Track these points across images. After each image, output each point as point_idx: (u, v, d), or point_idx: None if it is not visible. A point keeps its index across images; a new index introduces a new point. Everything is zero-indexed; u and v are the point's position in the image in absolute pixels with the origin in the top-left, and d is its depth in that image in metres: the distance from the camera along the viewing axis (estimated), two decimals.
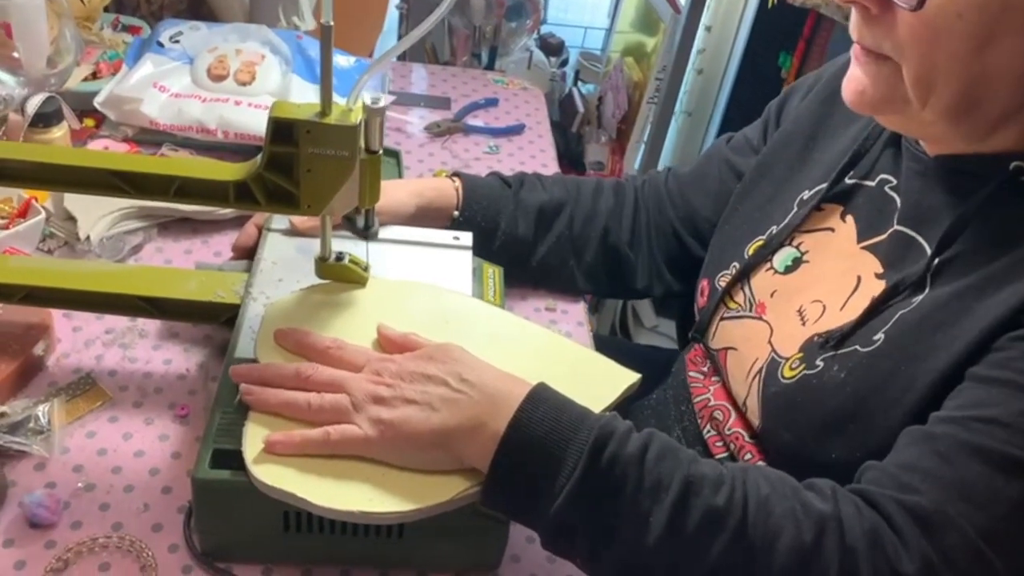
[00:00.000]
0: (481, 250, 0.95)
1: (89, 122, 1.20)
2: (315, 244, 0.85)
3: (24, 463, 0.79)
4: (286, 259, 0.89)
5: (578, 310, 1.05)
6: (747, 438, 0.82)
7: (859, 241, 0.78)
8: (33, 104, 1.04)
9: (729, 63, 2.19)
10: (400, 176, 1.21)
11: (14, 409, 0.81)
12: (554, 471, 0.64)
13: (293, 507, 0.67)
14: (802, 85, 0.96)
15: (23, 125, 1.04)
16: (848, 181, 0.82)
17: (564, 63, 2.30)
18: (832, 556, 0.60)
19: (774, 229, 0.86)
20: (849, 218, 0.81)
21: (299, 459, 0.68)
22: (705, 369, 0.91)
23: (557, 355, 0.81)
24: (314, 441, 0.68)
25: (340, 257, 0.84)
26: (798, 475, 0.67)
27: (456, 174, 1.02)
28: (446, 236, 0.95)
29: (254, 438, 0.69)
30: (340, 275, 0.85)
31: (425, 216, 0.96)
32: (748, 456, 0.80)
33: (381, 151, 0.76)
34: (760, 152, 0.96)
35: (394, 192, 0.93)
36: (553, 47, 2.26)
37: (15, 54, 1.08)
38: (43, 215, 0.99)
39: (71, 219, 1.01)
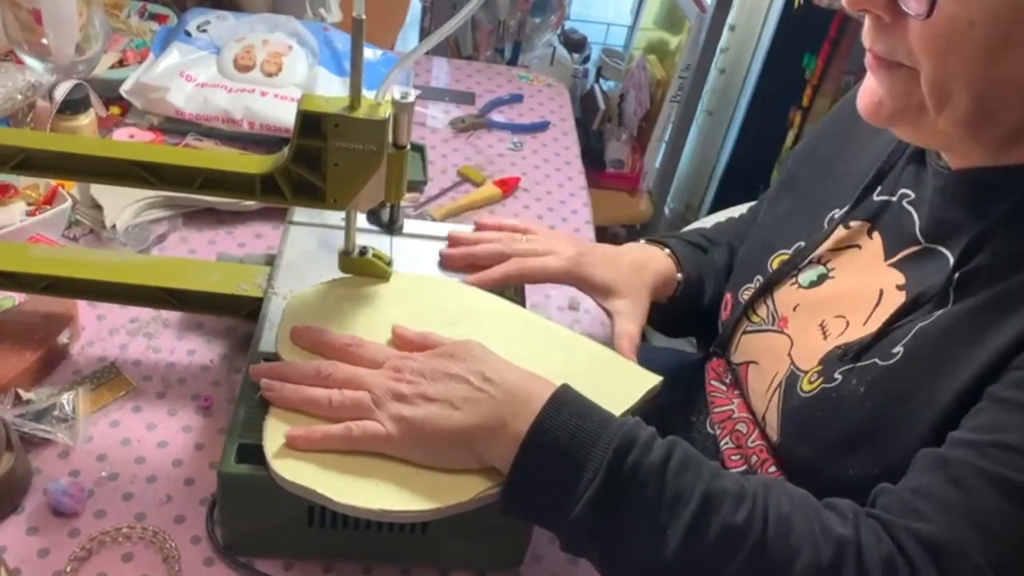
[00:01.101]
0: (688, 308, 0.94)
1: (115, 110, 1.20)
2: (338, 238, 0.85)
3: (48, 451, 0.79)
4: (309, 253, 0.89)
5: (600, 310, 1.05)
6: (770, 451, 0.81)
7: (886, 258, 0.77)
8: (61, 91, 1.04)
9: (752, 63, 2.17)
10: (424, 169, 1.21)
11: (39, 397, 0.81)
12: (575, 477, 0.63)
13: (314, 502, 0.67)
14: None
15: (51, 112, 1.05)
16: (876, 199, 0.80)
17: (586, 60, 2.29)
18: None
19: (801, 244, 0.85)
20: (876, 235, 0.79)
21: (319, 455, 0.68)
22: (727, 381, 0.91)
23: (579, 355, 0.80)
24: (335, 437, 0.68)
25: (364, 251, 0.84)
26: (817, 490, 0.66)
27: (656, 242, 0.99)
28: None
29: (275, 433, 0.69)
30: (363, 269, 0.85)
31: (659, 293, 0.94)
32: (772, 469, 0.80)
33: (408, 146, 0.75)
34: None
35: (638, 279, 0.91)
36: (575, 43, 2.25)
37: (44, 40, 1.08)
38: (69, 203, 0.99)
39: (97, 207, 1.01)
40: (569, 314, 1.04)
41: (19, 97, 1.06)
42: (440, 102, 1.40)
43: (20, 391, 0.80)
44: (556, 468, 0.64)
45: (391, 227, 0.90)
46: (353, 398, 0.69)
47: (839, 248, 0.82)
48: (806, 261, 0.84)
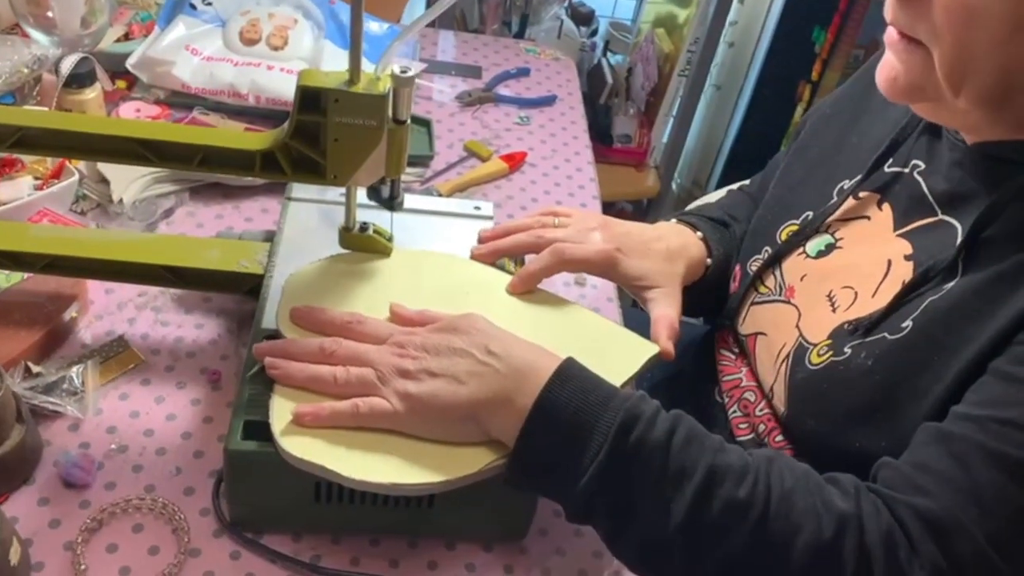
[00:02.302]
0: (711, 289, 0.94)
1: (121, 84, 1.19)
2: (338, 214, 0.85)
3: (58, 423, 0.80)
4: (309, 229, 0.89)
5: (608, 285, 1.05)
6: (777, 421, 0.82)
7: (895, 229, 0.77)
8: (67, 64, 1.04)
9: (761, 37, 2.15)
10: (431, 144, 1.21)
11: (48, 370, 0.82)
12: (579, 451, 0.64)
13: (324, 478, 0.68)
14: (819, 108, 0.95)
15: (57, 85, 1.04)
16: (887, 170, 0.80)
17: (594, 33, 2.27)
18: (849, 556, 0.60)
19: (809, 215, 0.85)
20: (886, 206, 0.79)
21: (326, 431, 0.68)
22: (736, 351, 0.91)
23: (578, 326, 0.81)
24: (343, 413, 0.68)
25: (364, 227, 0.84)
26: (823, 462, 0.67)
27: (688, 223, 0.97)
28: (467, 206, 0.96)
29: (281, 411, 0.69)
30: (364, 245, 0.85)
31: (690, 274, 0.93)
32: (779, 438, 0.80)
33: (408, 121, 0.75)
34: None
35: (671, 268, 0.90)
36: (583, 16, 2.24)
37: (49, 14, 1.08)
38: (76, 177, 0.99)
39: (104, 181, 1.01)
40: (576, 289, 1.04)
41: (25, 71, 1.06)
42: (447, 76, 1.40)
43: (30, 364, 0.81)
44: (561, 442, 0.64)
45: (391, 202, 0.90)
46: (358, 375, 0.69)
47: (847, 218, 0.82)
48: (814, 231, 0.84)
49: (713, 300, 0.96)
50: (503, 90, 1.38)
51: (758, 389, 0.85)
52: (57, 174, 0.99)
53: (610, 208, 2.37)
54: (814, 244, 0.83)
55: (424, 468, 0.67)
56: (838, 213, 0.83)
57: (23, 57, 1.06)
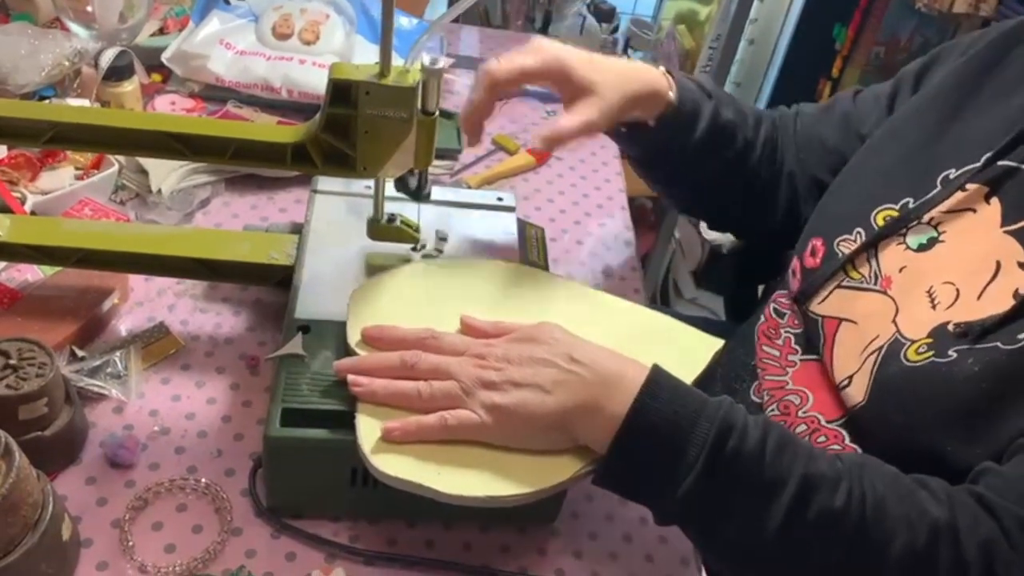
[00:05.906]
0: (670, 142, 0.90)
1: (156, 77, 1.22)
2: (364, 205, 0.86)
3: (103, 406, 0.82)
4: (336, 221, 0.90)
5: (635, 277, 1.07)
6: (823, 422, 0.80)
7: (1003, 225, 0.74)
8: (107, 58, 1.06)
9: (782, 34, 2.17)
10: (459, 138, 1.22)
11: (92, 355, 0.84)
12: (675, 460, 0.63)
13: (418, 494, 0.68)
14: (954, 49, 0.89)
15: (97, 78, 1.07)
16: (999, 163, 0.76)
17: (615, 29, 2.28)
18: (944, 566, 0.60)
19: (910, 202, 0.81)
20: (995, 200, 0.76)
21: (414, 447, 0.68)
22: (780, 342, 0.88)
23: (643, 326, 0.81)
24: (431, 427, 0.68)
25: (392, 218, 0.85)
26: (896, 460, 0.66)
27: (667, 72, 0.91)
28: (491, 197, 0.97)
29: (369, 429, 0.69)
30: (392, 236, 0.86)
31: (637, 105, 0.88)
32: (822, 439, 0.79)
33: (437, 112, 0.76)
34: (890, 116, 0.91)
35: (622, 86, 0.85)
36: (605, 13, 2.24)
37: (89, 8, 1.10)
38: (116, 167, 1.02)
39: (143, 172, 1.04)
40: (603, 280, 1.06)
41: (66, 63, 1.08)
42: (473, 71, 1.41)
43: (75, 348, 0.83)
44: (656, 451, 0.64)
45: (419, 194, 0.92)
46: (442, 388, 0.69)
47: (952, 211, 0.78)
48: (916, 220, 0.80)
49: (673, 164, 0.92)
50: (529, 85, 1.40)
51: (805, 393, 0.83)
52: (97, 164, 1.01)
53: (630, 203, 2.37)
54: (916, 237, 0.79)
55: (516, 479, 0.67)
56: (943, 205, 0.78)
57: (64, 50, 1.08)
